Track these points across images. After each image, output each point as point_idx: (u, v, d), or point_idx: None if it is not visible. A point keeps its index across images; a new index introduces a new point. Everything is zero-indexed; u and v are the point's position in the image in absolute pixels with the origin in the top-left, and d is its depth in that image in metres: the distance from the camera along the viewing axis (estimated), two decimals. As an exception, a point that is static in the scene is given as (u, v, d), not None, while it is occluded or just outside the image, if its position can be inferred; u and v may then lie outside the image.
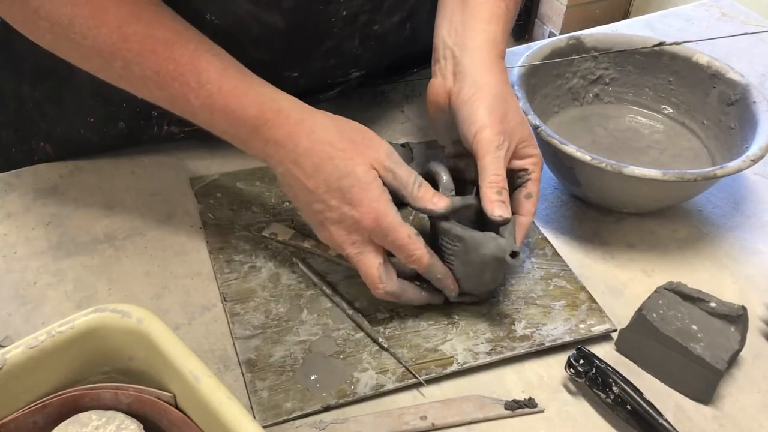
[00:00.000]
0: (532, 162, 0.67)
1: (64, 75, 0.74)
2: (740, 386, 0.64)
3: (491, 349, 0.64)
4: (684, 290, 0.65)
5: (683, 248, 0.76)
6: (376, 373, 0.62)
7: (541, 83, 0.82)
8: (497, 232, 0.63)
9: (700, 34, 1.05)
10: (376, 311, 0.66)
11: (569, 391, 0.63)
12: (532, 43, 0.90)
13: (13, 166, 0.79)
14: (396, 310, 0.67)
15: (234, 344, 0.63)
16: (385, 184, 0.62)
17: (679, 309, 0.64)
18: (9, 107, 0.80)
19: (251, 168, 0.79)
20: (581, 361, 0.61)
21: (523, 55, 0.81)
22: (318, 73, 0.78)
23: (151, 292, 0.68)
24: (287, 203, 0.76)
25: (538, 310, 0.67)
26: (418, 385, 0.62)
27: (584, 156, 0.70)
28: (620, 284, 0.72)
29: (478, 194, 0.65)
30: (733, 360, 0.63)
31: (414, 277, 0.65)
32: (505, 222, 0.63)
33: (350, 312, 0.66)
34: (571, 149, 0.70)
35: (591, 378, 0.60)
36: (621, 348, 0.66)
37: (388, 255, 0.63)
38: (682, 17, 1.13)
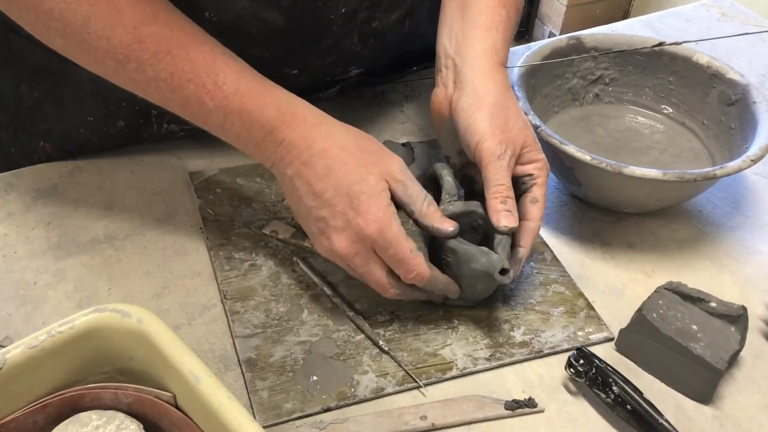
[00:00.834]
0: (536, 167, 0.66)
1: (63, 74, 0.74)
2: (740, 386, 0.64)
3: (490, 355, 0.64)
4: (684, 290, 0.65)
5: (683, 248, 0.76)
6: (377, 376, 0.62)
7: (541, 83, 0.82)
8: (498, 242, 0.63)
9: (700, 34, 1.05)
10: (376, 313, 0.66)
11: (569, 391, 0.63)
12: (532, 43, 0.90)
13: (13, 166, 0.79)
14: (396, 313, 0.67)
15: (234, 343, 0.63)
16: (394, 197, 0.61)
17: (679, 309, 0.64)
18: (8, 107, 0.80)
19: (252, 164, 0.79)
20: (581, 361, 0.61)
21: (523, 55, 0.81)
22: (317, 70, 0.78)
23: (151, 292, 0.68)
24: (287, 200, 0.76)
25: (537, 317, 0.67)
26: (418, 388, 0.62)
27: (584, 156, 0.70)
28: (620, 284, 0.72)
29: (483, 202, 0.64)
30: (733, 360, 0.63)
31: None
32: (511, 232, 0.62)
33: (351, 314, 0.66)
34: (571, 149, 0.70)
35: (591, 378, 0.60)
36: (621, 348, 0.66)
37: None
38: (682, 17, 1.13)
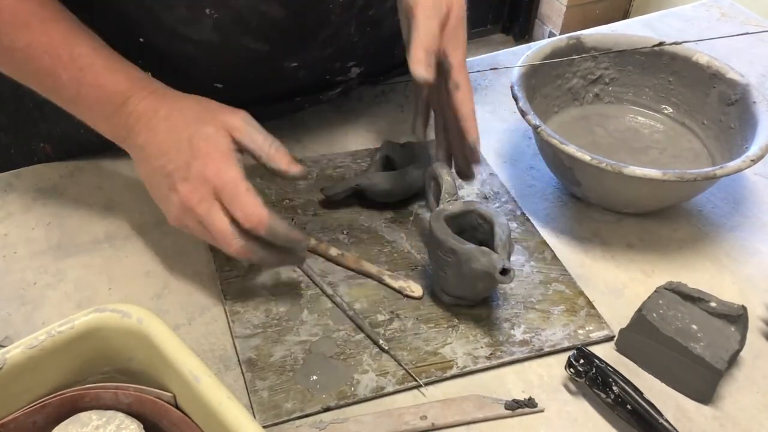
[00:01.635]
0: (453, 47, 0.67)
1: None
2: (740, 386, 0.64)
3: (491, 354, 0.64)
4: (684, 290, 0.65)
5: (683, 248, 0.76)
6: (377, 375, 0.62)
7: (541, 83, 0.82)
8: (498, 242, 0.63)
9: (700, 34, 1.05)
10: (376, 313, 0.66)
11: (569, 391, 0.63)
12: (532, 43, 0.90)
13: (13, 167, 0.79)
14: (396, 313, 0.67)
15: (234, 343, 0.63)
16: (241, 146, 0.62)
17: (679, 309, 0.64)
18: (8, 108, 0.80)
19: (252, 164, 0.79)
20: (581, 361, 0.61)
21: (523, 55, 0.81)
22: (317, 63, 0.78)
23: (151, 292, 0.68)
24: (287, 201, 0.76)
25: (537, 315, 0.67)
26: (418, 387, 0.62)
27: (584, 156, 0.70)
28: (620, 284, 0.72)
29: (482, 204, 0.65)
30: (733, 360, 0.63)
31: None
32: (427, 83, 0.64)
33: (350, 313, 0.66)
34: (571, 149, 0.70)
35: (591, 378, 0.60)
36: (621, 348, 0.66)
37: None
38: (682, 17, 1.13)
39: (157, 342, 0.49)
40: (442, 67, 0.67)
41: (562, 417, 0.61)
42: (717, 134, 0.82)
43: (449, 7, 0.66)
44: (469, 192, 0.79)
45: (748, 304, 0.67)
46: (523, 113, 0.74)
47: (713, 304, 0.64)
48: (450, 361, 0.63)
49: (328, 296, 0.67)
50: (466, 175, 0.73)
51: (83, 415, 0.49)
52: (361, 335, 0.65)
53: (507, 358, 0.64)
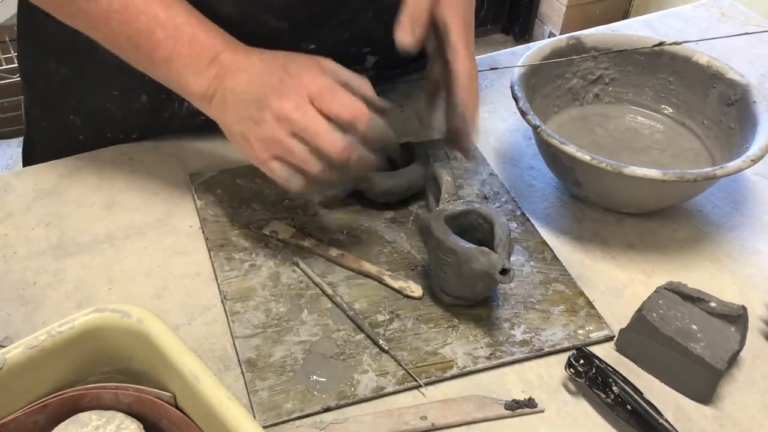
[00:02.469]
0: (448, 15, 0.67)
1: (88, 50, 0.74)
2: (740, 386, 0.64)
3: (491, 354, 0.64)
4: (684, 290, 0.65)
5: (683, 248, 0.76)
6: (377, 375, 0.62)
7: (541, 83, 0.82)
8: (498, 242, 0.63)
9: (700, 34, 1.05)
10: (376, 313, 0.66)
11: (569, 391, 0.63)
12: (532, 43, 0.90)
13: (47, 138, 0.82)
14: (396, 312, 0.67)
15: (234, 343, 0.63)
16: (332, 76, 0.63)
17: (679, 309, 0.64)
18: (38, 84, 0.83)
19: (250, 165, 0.79)
20: (581, 361, 0.61)
21: (523, 55, 0.81)
22: (333, 47, 0.79)
23: (151, 292, 0.68)
24: (287, 201, 0.76)
25: (537, 315, 0.67)
26: (418, 387, 0.62)
27: (584, 156, 0.70)
28: (620, 284, 0.72)
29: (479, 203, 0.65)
30: (733, 360, 0.63)
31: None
32: (409, 51, 0.65)
33: (350, 313, 0.66)
34: (571, 149, 0.70)
35: (591, 378, 0.60)
36: (621, 348, 0.66)
37: None
38: (682, 17, 1.13)
39: (157, 342, 0.49)
40: (441, 37, 0.67)
41: (562, 417, 0.61)
42: (717, 134, 0.82)
43: None
44: (469, 192, 0.79)
45: (748, 304, 0.67)
46: (523, 113, 0.74)
47: (713, 305, 0.64)
48: (450, 361, 0.63)
49: (328, 296, 0.67)
50: (464, 148, 0.72)
51: (83, 415, 0.49)
52: (361, 335, 0.65)
53: (507, 358, 0.64)
